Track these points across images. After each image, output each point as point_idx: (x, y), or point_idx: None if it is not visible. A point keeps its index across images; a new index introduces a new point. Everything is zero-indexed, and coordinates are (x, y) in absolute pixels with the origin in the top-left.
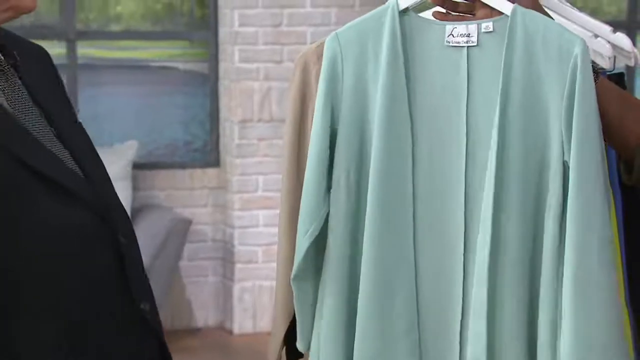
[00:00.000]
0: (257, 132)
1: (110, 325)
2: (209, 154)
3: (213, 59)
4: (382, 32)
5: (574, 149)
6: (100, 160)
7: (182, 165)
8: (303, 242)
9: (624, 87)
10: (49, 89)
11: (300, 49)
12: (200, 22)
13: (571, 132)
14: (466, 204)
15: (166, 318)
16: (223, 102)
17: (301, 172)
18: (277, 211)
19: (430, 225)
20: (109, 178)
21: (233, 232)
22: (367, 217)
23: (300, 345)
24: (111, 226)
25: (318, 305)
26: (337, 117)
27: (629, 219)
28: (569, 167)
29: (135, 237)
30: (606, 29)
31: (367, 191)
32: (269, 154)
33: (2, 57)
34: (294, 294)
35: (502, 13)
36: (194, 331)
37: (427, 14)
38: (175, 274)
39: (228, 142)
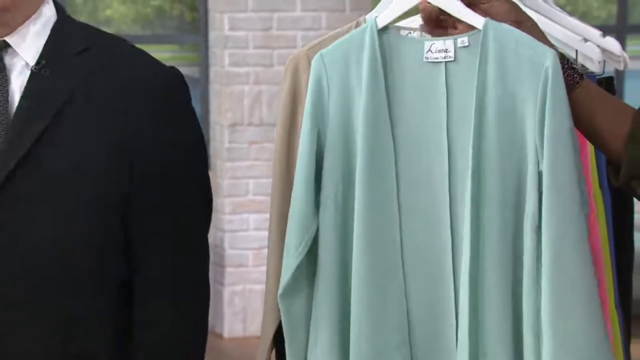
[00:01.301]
0: (247, 135)
1: None
2: None
3: (203, 62)
4: (363, 51)
5: (546, 158)
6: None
7: None
8: (292, 261)
9: (613, 91)
10: (79, 108)
11: (290, 52)
12: (190, 26)
13: (542, 141)
14: (452, 220)
15: None
16: (213, 105)
17: (292, 176)
18: (268, 215)
19: (417, 244)
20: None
21: (223, 235)
22: (354, 239)
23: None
24: None
25: (312, 325)
26: (324, 138)
27: (618, 222)
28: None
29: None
30: (596, 33)
31: (354, 208)
32: (260, 158)
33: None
34: (282, 312)
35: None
36: None
37: (409, 21)
38: None
39: (218, 146)
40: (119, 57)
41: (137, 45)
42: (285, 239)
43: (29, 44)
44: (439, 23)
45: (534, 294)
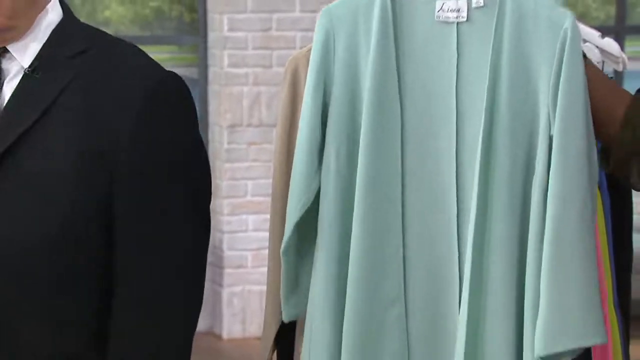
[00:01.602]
0: (246, 136)
1: None
2: None
3: (202, 63)
4: (373, 7)
5: (558, 120)
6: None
7: None
8: (293, 215)
9: None
10: (65, 107)
11: (289, 53)
12: (189, 27)
13: (556, 102)
14: (457, 181)
15: None
16: (212, 106)
17: (290, 177)
18: (267, 216)
19: (420, 205)
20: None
21: (222, 237)
22: (356, 194)
23: (285, 317)
24: None
25: (311, 284)
26: (329, 93)
27: (617, 223)
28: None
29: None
30: (595, 34)
31: (357, 167)
32: (259, 159)
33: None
34: (282, 267)
35: None
36: None
37: None
38: None
39: (217, 147)
40: (115, 60)
41: (136, 46)
42: (288, 196)
43: (26, 48)
44: None
45: (538, 253)
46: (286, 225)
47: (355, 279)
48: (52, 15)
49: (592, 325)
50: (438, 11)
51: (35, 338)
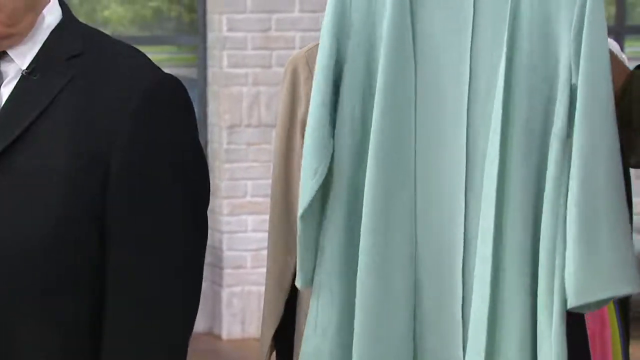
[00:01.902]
0: (245, 137)
1: None
2: None
3: (201, 64)
4: None
5: (583, 67)
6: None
7: None
8: (311, 183)
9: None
10: (61, 111)
11: (289, 54)
12: (188, 27)
13: (579, 55)
14: (468, 138)
15: None
16: (211, 107)
17: (290, 177)
18: (266, 216)
19: (431, 166)
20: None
21: (222, 237)
22: (368, 158)
23: (299, 282)
24: None
25: (319, 249)
26: (344, 53)
27: None
28: (576, 89)
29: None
30: None
31: (371, 127)
32: (258, 159)
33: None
34: (299, 233)
35: None
36: None
37: None
38: None
39: (216, 147)
40: (113, 61)
41: (136, 47)
42: (302, 162)
43: (25, 51)
44: None
45: (555, 207)
46: (302, 193)
47: (368, 231)
48: (51, 17)
49: (626, 275)
50: None
51: (32, 339)
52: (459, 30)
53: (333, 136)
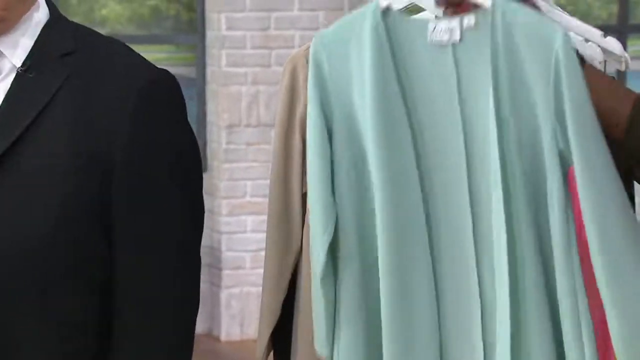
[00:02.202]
0: (245, 136)
1: None
2: None
3: (200, 63)
4: (364, 31)
5: (573, 131)
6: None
7: None
8: (322, 243)
9: None
10: (59, 110)
11: (288, 52)
12: (187, 26)
13: (564, 118)
14: (471, 199)
15: None
16: (210, 106)
17: (289, 177)
18: (266, 217)
19: (440, 223)
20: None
21: (220, 237)
22: (379, 223)
23: (322, 351)
24: None
25: (336, 312)
26: (330, 118)
27: None
28: (564, 155)
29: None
30: (597, 33)
31: (368, 189)
32: (257, 159)
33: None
34: (321, 299)
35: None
36: None
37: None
38: None
39: (215, 147)
40: (106, 59)
41: (133, 46)
42: (311, 226)
43: (16, 46)
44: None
45: (567, 269)
46: (316, 254)
47: (387, 318)
48: (39, 14)
49: None
50: (431, 33)
51: (32, 339)
52: (445, 93)
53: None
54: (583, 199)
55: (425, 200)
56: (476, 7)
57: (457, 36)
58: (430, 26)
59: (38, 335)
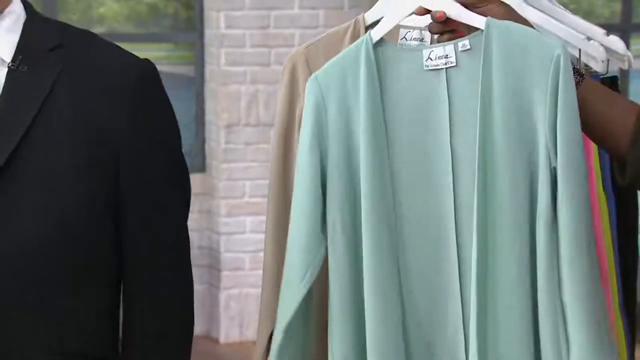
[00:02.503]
0: (243, 136)
1: None
2: (194, 159)
3: (199, 61)
4: (359, 68)
5: (560, 154)
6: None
7: None
8: (298, 290)
9: (617, 91)
10: (59, 105)
11: (288, 51)
12: (185, 24)
13: (556, 138)
14: (457, 233)
15: None
16: (209, 105)
17: (289, 177)
18: (265, 217)
19: (420, 262)
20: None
21: (219, 238)
22: (364, 265)
23: None
24: None
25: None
26: (325, 159)
27: (622, 225)
28: (555, 173)
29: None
30: (599, 31)
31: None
32: (256, 159)
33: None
34: (277, 346)
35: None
36: None
37: (412, 18)
38: None
39: (214, 147)
40: (92, 52)
41: (131, 44)
42: (285, 268)
43: (3, 41)
44: (445, 26)
45: (551, 294)
46: (285, 302)
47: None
48: (19, 7)
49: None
50: (426, 60)
51: (34, 338)
52: (436, 120)
53: (324, 239)
54: (561, 220)
55: (406, 249)
56: (470, 29)
57: (452, 60)
58: (425, 53)
59: (47, 333)
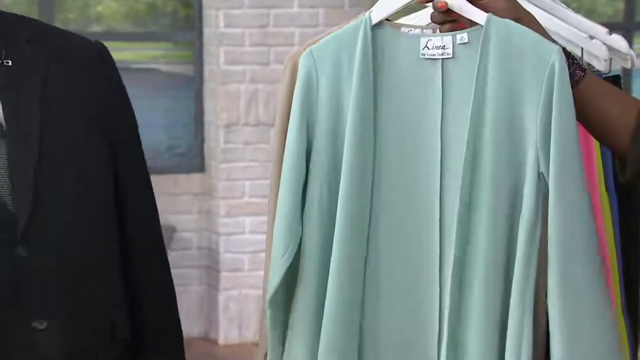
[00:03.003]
0: (243, 136)
1: None
2: (193, 159)
3: (198, 60)
4: (355, 47)
5: (554, 157)
6: (85, 179)
7: (166, 171)
8: (280, 266)
9: (620, 89)
10: (55, 94)
11: (287, 50)
12: (184, 23)
13: (547, 143)
14: (441, 220)
15: None
16: (208, 105)
17: None
18: (264, 218)
19: (400, 247)
20: (76, 194)
21: (218, 239)
22: (334, 243)
23: None
24: (10, 238)
25: (288, 332)
26: (312, 134)
27: (624, 224)
28: (544, 179)
29: (57, 252)
30: (602, 30)
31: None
32: (256, 159)
33: None
34: (268, 319)
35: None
36: None
37: (415, 16)
38: None
39: (213, 147)
40: (59, 39)
41: (129, 43)
42: (273, 243)
43: None
44: (447, 17)
45: (521, 300)
46: (271, 277)
47: (325, 332)
48: None
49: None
50: (423, 48)
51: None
52: (428, 110)
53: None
54: (550, 236)
55: (380, 233)
56: (472, 23)
57: (449, 52)
58: (423, 41)
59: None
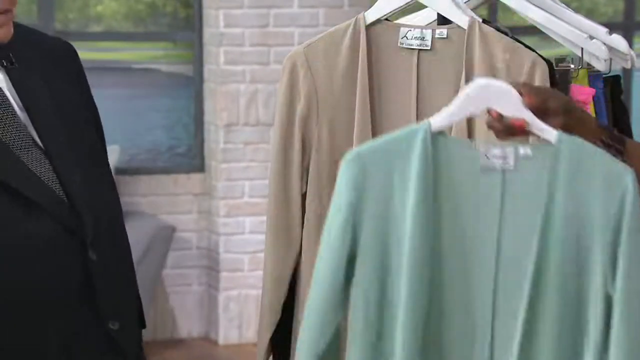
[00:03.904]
0: (243, 136)
1: (71, 344)
2: (193, 159)
3: (197, 60)
4: (411, 157)
5: (621, 282)
6: (100, 169)
7: (166, 171)
8: (310, 352)
9: (620, 90)
10: (56, 90)
11: (287, 50)
12: (184, 23)
13: (615, 266)
14: (493, 330)
15: (148, 328)
16: (208, 105)
17: (288, 177)
18: (264, 218)
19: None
20: (105, 189)
21: (218, 239)
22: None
23: None
24: (82, 241)
25: None
26: (357, 240)
27: None
28: (610, 301)
29: (117, 253)
30: (602, 30)
31: (389, 326)
32: (256, 159)
33: None
34: None
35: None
36: (177, 342)
37: (413, 17)
38: (158, 283)
39: (213, 147)
40: (38, 37)
41: (129, 43)
42: (300, 337)
43: None
44: (512, 131)
45: None
46: None
47: None
48: None
49: None
50: (483, 159)
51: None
52: (486, 223)
53: (338, 317)
54: (614, 347)
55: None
56: (538, 138)
57: (510, 163)
58: (482, 151)
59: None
